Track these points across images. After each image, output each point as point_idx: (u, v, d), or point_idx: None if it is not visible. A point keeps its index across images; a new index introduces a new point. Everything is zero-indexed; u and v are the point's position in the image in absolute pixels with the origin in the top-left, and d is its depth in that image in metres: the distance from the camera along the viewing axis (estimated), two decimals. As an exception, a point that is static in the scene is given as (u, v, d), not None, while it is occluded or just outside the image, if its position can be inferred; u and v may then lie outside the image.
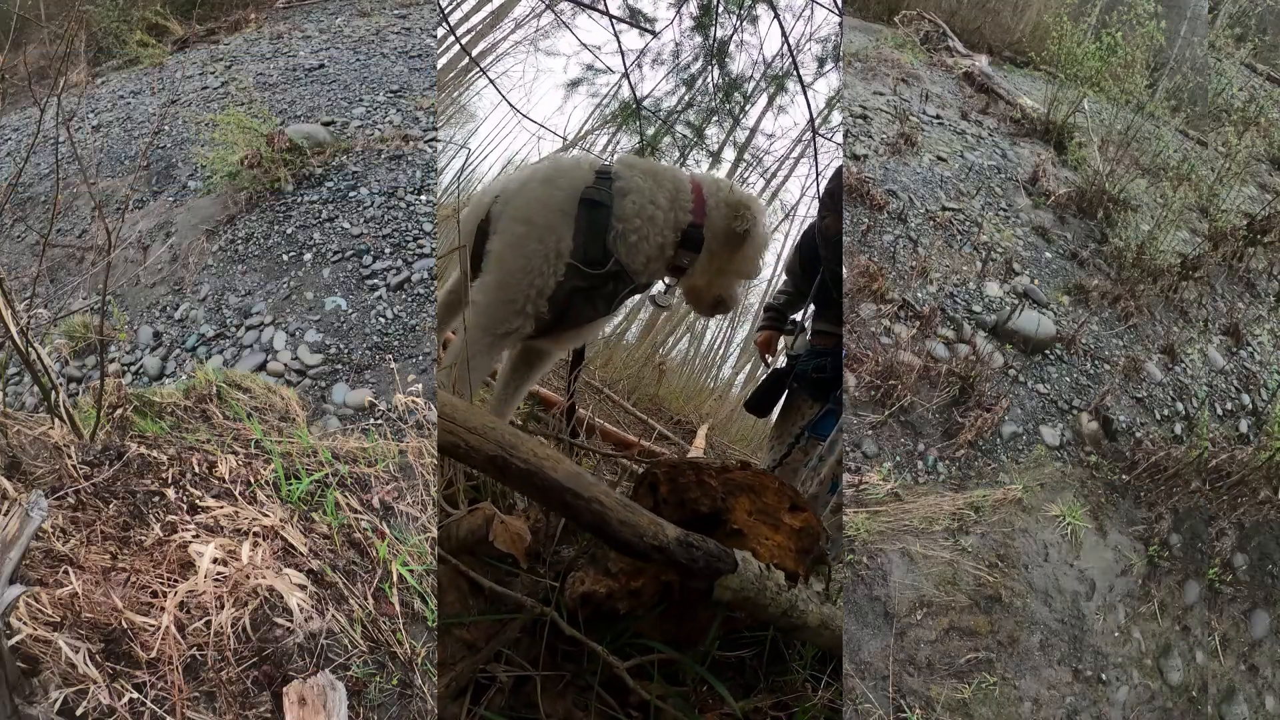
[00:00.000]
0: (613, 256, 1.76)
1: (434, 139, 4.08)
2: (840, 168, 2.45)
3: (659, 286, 1.96)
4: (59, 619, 1.57)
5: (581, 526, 1.01)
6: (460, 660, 1.03)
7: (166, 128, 4.25)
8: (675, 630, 1.13)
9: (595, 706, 1.02)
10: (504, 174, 2.17)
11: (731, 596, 1.02)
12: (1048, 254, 3.71)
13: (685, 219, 1.80)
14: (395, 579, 1.94)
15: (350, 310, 3.08)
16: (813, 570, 1.19)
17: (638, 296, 1.98)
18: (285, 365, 2.86)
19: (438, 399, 1.10)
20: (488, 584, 1.08)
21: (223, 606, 1.68)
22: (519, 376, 2.05)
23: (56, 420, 2.02)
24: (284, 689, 1.59)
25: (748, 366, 9.05)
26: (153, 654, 1.57)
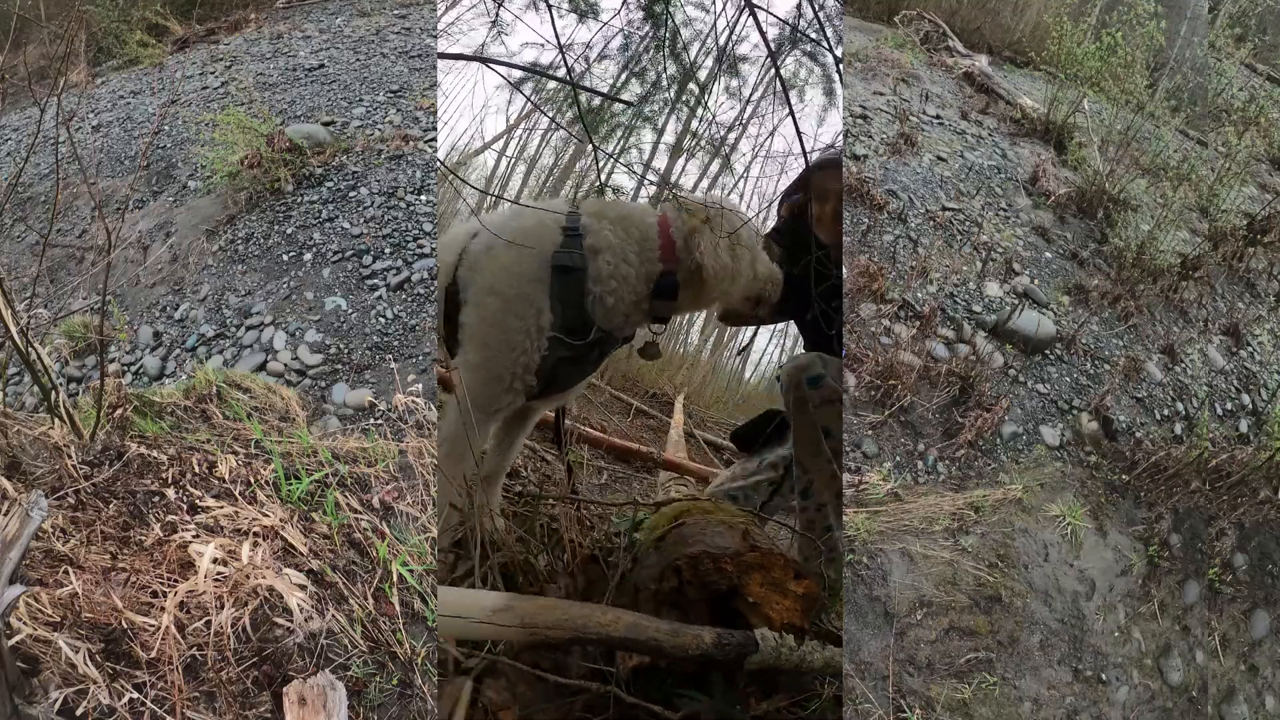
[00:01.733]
0: (593, 325, 1.68)
1: (434, 139, 4.08)
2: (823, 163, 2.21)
3: (644, 335, 1.90)
4: (59, 619, 1.57)
5: (642, 653, 1.28)
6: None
7: (166, 128, 4.25)
8: (710, 682, 1.38)
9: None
10: (462, 225, 2.02)
11: (756, 666, 1.30)
12: (1048, 254, 3.71)
13: (655, 269, 1.70)
14: (395, 579, 1.94)
15: (350, 310, 3.08)
16: (816, 618, 1.44)
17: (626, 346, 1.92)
18: (285, 365, 2.86)
19: (514, 608, 1.25)
20: (553, 678, 1.31)
21: (223, 606, 1.68)
22: (510, 434, 2.00)
23: (56, 420, 2.02)
24: (284, 689, 1.59)
25: (714, 334, 9.11)
26: (153, 654, 1.57)
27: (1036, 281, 3.52)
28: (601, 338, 1.71)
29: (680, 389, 6.04)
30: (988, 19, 6.17)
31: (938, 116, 4.62)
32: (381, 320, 3.02)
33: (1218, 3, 6.20)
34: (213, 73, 4.93)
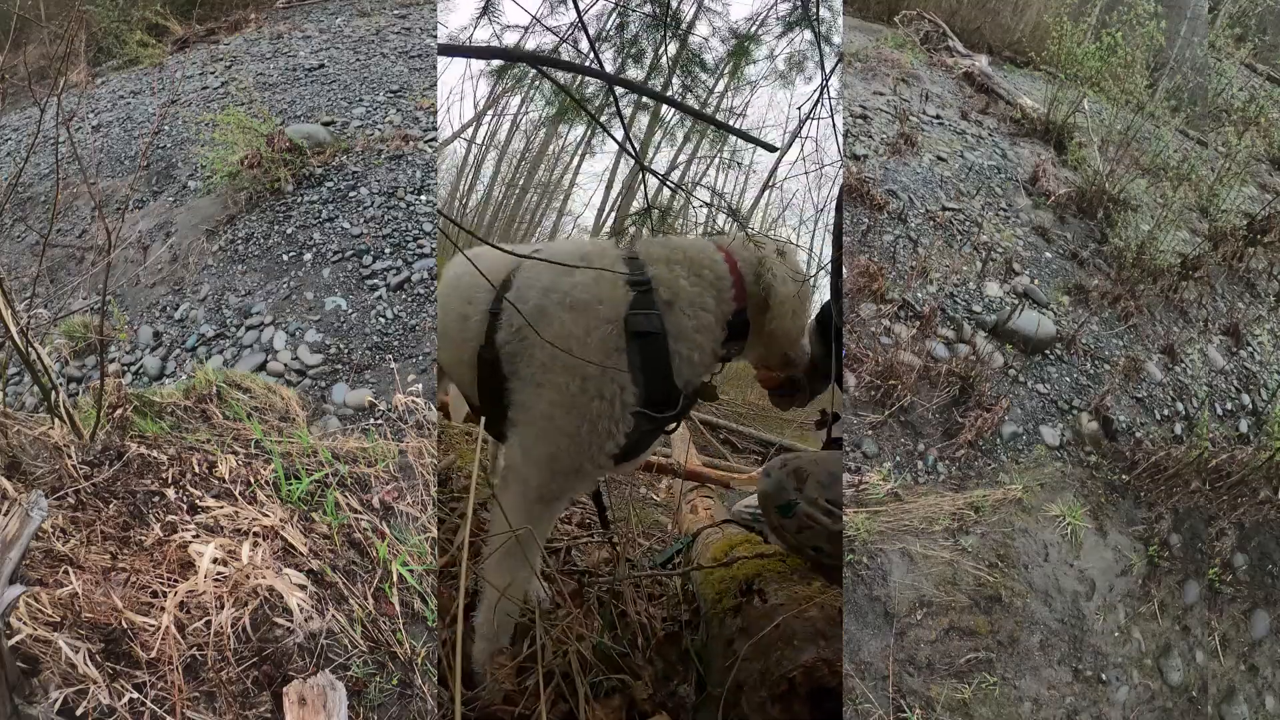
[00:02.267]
0: (680, 392, 1.46)
1: (434, 139, 4.08)
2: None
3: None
4: (59, 619, 1.57)
5: None
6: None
7: (166, 128, 4.25)
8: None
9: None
10: (484, 262, 1.57)
11: None
12: (1048, 254, 3.71)
13: (729, 309, 1.49)
14: (395, 579, 1.94)
15: (350, 310, 3.08)
16: None
17: None
18: (285, 365, 2.86)
19: None
20: None
21: (223, 606, 1.68)
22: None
23: (56, 420, 2.02)
24: (284, 689, 1.59)
25: None
26: (153, 654, 1.57)
27: (1036, 281, 3.52)
28: (685, 404, 1.50)
29: None
30: (988, 19, 6.17)
31: (938, 116, 4.62)
32: (381, 320, 3.02)
33: (1218, 3, 6.20)
34: (213, 73, 4.93)
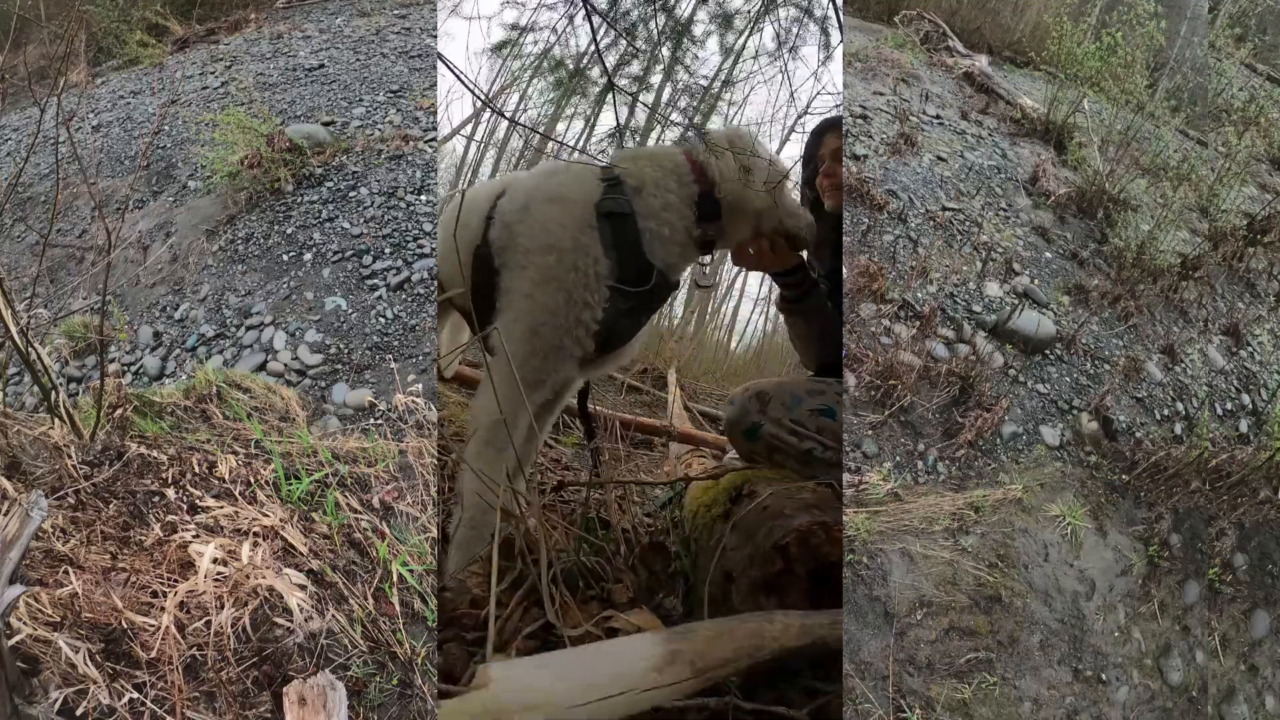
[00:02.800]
0: (654, 267, 1.61)
1: (434, 139, 4.08)
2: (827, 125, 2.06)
3: (695, 268, 1.84)
4: (59, 619, 1.57)
5: (813, 655, 1.13)
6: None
7: (166, 128, 4.25)
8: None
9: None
10: (483, 186, 1.92)
11: None
12: (1048, 254, 3.71)
13: (693, 190, 1.66)
14: (395, 579, 1.94)
15: (350, 310, 3.08)
16: None
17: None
18: (285, 365, 2.86)
19: (680, 652, 1.00)
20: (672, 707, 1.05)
21: (223, 606, 1.68)
22: (542, 418, 1.82)
23: (56, 420, 2.02)
24: (284, 689, 1.59)
25: (699, 307, 9.11)
26: (153, 654, 1.57)
27: (1036, 281, 3.52)
28: (659, 282, 1.63)
29: (670, 362, 6.00)
30: (988, 19, 6.17)
31: (938, 116, 4.62)
32: (381, 320, 3.03)
33: (1218, 3, 6.20)
34: (213, 73, 4.93)
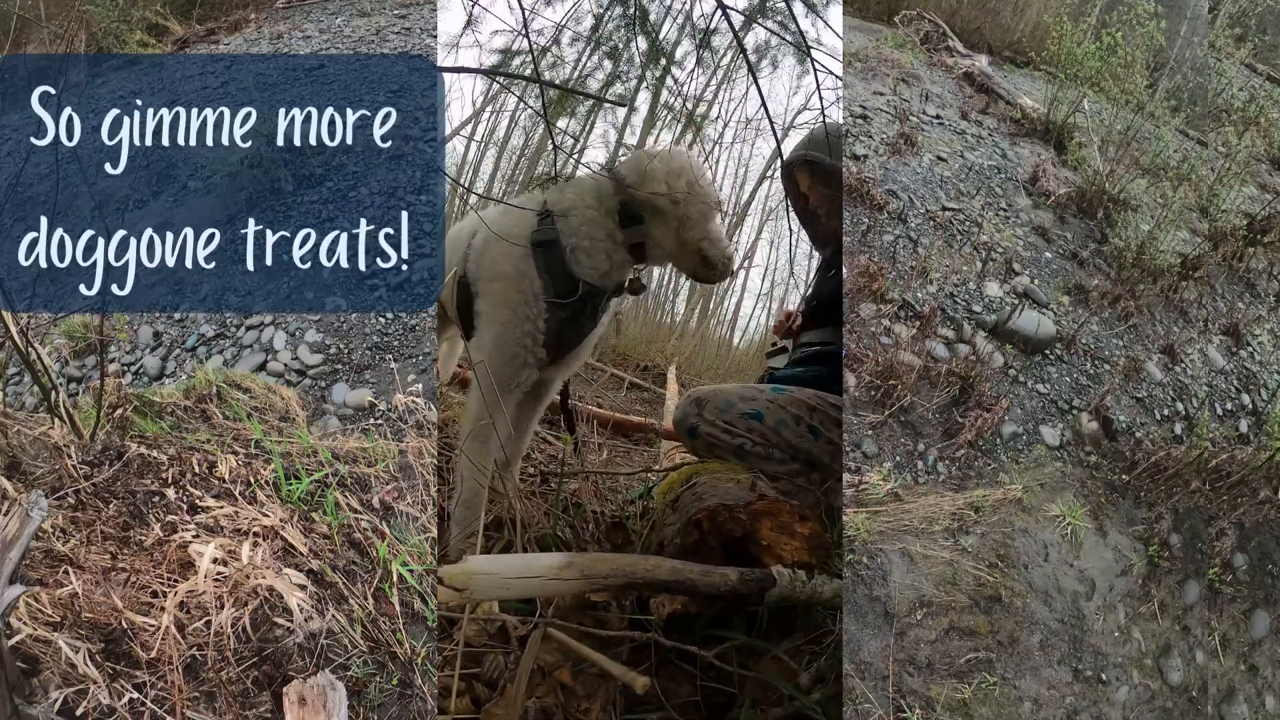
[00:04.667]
0: (579, 279, 1.88)
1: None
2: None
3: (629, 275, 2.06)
4: (59, 619, 1.57)
5: (680, 594, 1.45)
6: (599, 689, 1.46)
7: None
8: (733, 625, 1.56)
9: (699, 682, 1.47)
10: (463, 224, 2.30)
11: (776, 599, 1.46)
12: (1048, 254, 3.71)
13: (614, 202, 1.90)
14: (395, 579, 1.94)
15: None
16: (825, 559, 1.61)
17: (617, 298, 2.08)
18: (285, 365, 2.86)
19: (574, 563, 1.38)
20: (601, 633, 1.49)
21: (223, 606, 1.68)
22: (525, 417, 2.14)
23: (56, 420, 2.02)
24: (284, 689, 1.59)
25: (700, 303, 9.14)
26: (153, 654, 1.57)
27: (1036, 281, 3.52)
28: (590, 290, 1.90)
29: (671, 360, 6.01)
30: (988, 19, 6.17)
31: (938, 116, 4.62)
32: (381, 320, 3.03)
33: (1218, 3, 6.20)
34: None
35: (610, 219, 1.91)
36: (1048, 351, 3.23)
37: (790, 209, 2.50)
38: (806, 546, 1.55)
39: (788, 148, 2.40)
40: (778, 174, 2.33)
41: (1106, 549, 2.60)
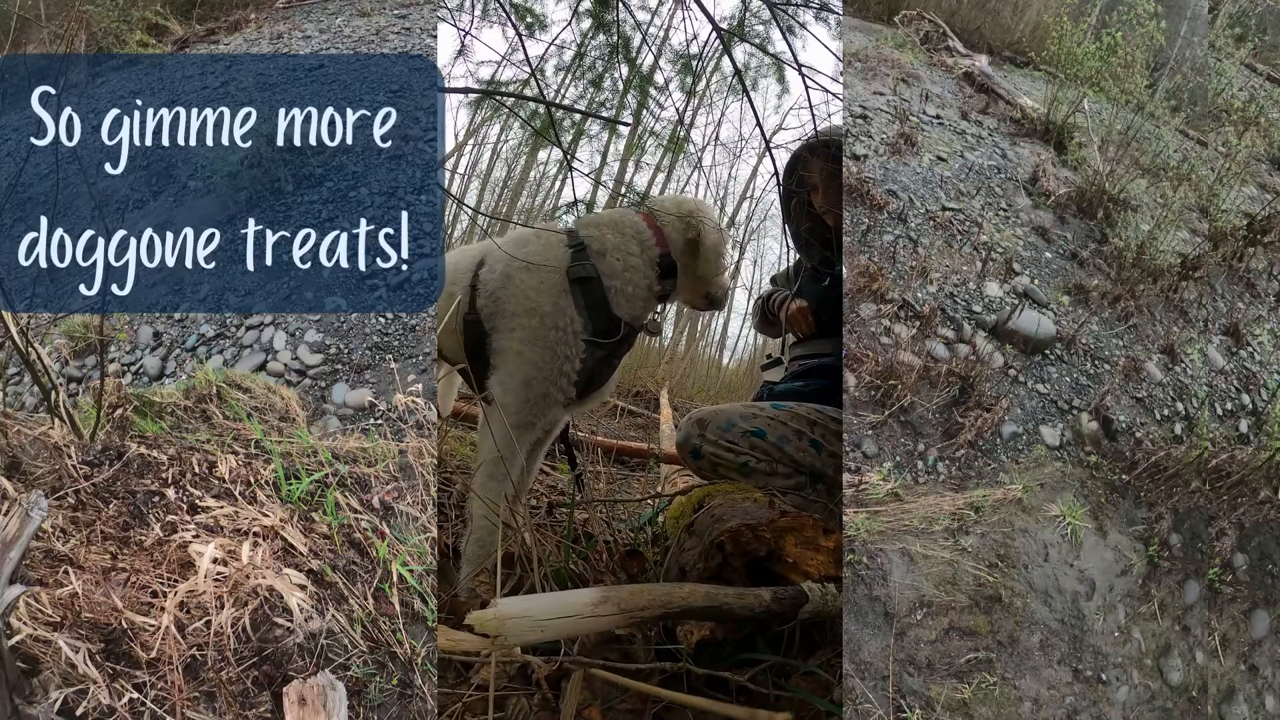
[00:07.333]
0: (620, 320, 1.89)
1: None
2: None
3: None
4: (59, 619, 1.57)
5: (717, 619, 1.43)
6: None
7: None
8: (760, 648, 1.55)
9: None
10: (461, 257, 2.25)
11: (809, 615, 1.46)
12: (1048, 254, 3.71)
13: (654, 253, 1.94)
14: (395, 579, 1.94)
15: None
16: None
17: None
18: (285, 365, 2.86)
19: (610, 598, 1.35)
20: (633, 667, 1.46)
21: (223, 606, 1.68)
22: (535, 452, 2.15)
23: (56, 420, 2.02)
24: (284, 689, 1.59)
25: (688, 326, 9.17)
26: (153, 654, 1.57)
27: (1036, 281, 3.52)
28: (626, 331, 1.92)
29: (662, 384, 6.03)
30: (988, 19, 6.16)
31: (938, 116, 4.62)
32: (381, 320, 3.03)
33: (1218, 3, 6.19)
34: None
35: (651, 269, 1.94)
36: (1048, 351, 3.23)
37: (786, 222, 2.52)
38: (833, 559, 1.53)
39: (779, 162, 2.47)
40: (759, 194, 2.44)
41: (1106, 549, 2.60)
